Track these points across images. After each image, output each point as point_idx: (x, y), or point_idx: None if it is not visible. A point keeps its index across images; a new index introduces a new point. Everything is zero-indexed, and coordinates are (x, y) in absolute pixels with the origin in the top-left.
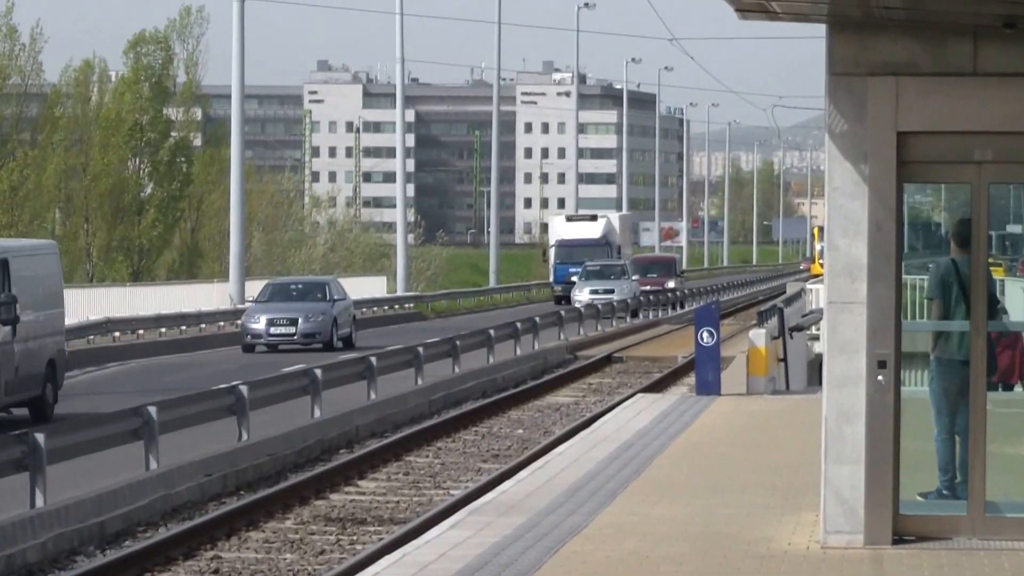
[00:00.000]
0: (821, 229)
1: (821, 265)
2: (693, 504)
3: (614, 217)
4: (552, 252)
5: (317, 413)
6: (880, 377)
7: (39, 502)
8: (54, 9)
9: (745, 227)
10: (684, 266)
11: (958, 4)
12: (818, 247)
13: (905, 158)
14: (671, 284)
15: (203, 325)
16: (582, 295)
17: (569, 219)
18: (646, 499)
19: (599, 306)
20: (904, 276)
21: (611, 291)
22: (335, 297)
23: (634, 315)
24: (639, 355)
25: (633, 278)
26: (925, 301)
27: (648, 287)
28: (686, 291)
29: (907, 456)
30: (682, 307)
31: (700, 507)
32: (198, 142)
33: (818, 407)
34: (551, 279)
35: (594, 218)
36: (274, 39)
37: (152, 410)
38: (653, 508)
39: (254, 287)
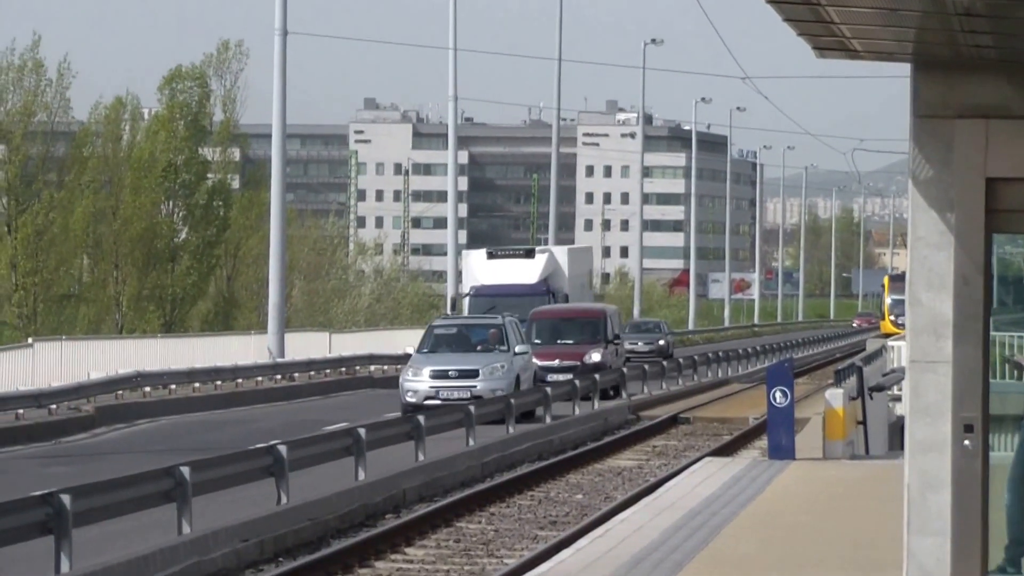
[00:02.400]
0: (892, 280)
1: (892, 322)
2: None
3: (559, 252)
4: (467, 303)
5: (362, 475)
6: (967, 442)
7: (64, 568)
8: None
9: (822, 279)
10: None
11: None
12: (888, 301)
13: (994, 206)
14: (595, 357)
15: (240, 380)
16: (417, 382)
17: (492, 255)
18: (714, 572)
19: (664, 363)
20: (992, 333)
21: (471, 375)
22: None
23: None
24: (707, 416)
25: (526, 350)
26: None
27: (553, 364)
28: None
29: (996, 527)
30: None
31: None
32: (236, 184)
33: (900, 474)
34: None
35: (529, 254)
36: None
37: (185, 470)
38: None
39: (293, 340)
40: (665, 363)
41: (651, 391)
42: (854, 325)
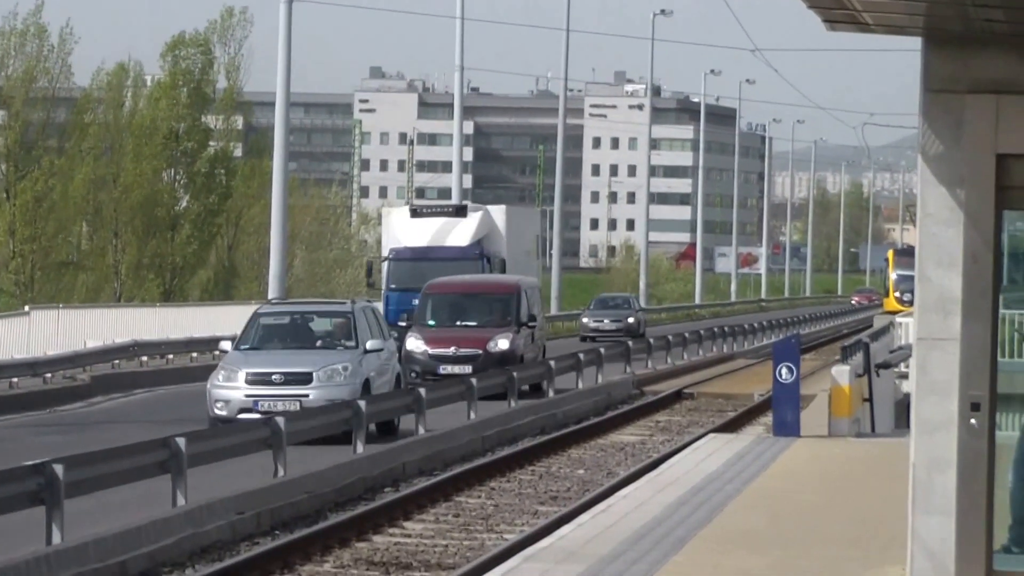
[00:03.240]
0: (898, 254)
1: (897, 299)
2: (768, 555)
3: (497, 212)
4: (385, 269)
5: (360, 448)
6: (973, 421)
7: (56, 539)
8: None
9: (830, 254)
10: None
11: None
12: (892, 276)
13: (1005, 183)
14: (502, 344)
15: None
16: (230, 389)
17: (416, 213)
18: (717, 549)
19: (669, 337)
20: (1002, 311)
21: (302, 380)
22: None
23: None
24: (712, 392)
25: (380, 346)
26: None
27: (448, 352)
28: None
29: (1001, 507)
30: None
31: (776, 559)
32: (238, 153)
33: (906, 452)
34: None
35: (461, 212)
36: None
37: (181, 441)
38: (724, 559)
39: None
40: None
41: (656, 365)
42: (853, 302)
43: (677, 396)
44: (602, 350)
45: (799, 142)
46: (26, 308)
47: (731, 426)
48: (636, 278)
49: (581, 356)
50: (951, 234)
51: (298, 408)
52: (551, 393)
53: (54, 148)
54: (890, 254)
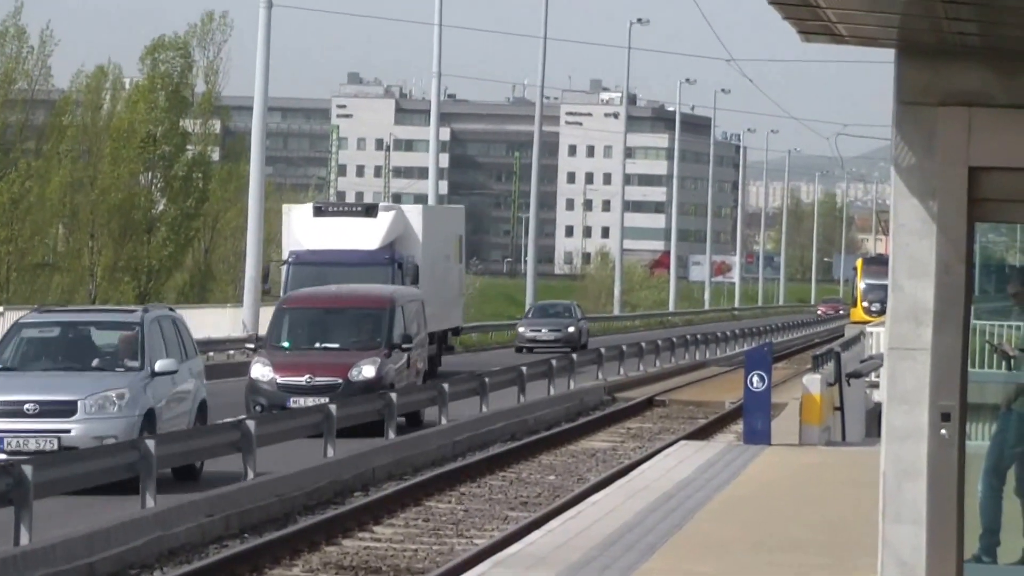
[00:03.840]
0: (867, 262)
1: (865, 309)
2: (738, 562)
3: (412, 212)
4: (283, 274)
5: (331, 452)
6: (943, 431)
7: (24, 540)
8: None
9: (803, 263)
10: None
11: None
12: (861, 286)
13: (977, 195)
14: (367, 372)
15: (211, 353)
16: None
17: (320, 211)
18: (687, 556)
19: (643, 344)
20: (974, 321)
21: (62, 411)
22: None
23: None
24: (683, 399)
25: (172, 367)
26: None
27: (301, 381)
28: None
29: (971, 517)
30: None
31: (746, 566)
32: (216, 156)
33: (876, 461)
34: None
35: (370, 211)
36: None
37: (150, 444)
38: (695, 566)
39: (269, 314)
40: (575, 356)
41: (627, 372)
42: (819, 313)
43: (649, 403)
44: (574, 356)
45: (773, 152)
46: (1, 308)
47: (702, 433)
48: (611, 285)
49: (553, 362)
50: (924, 245)
51: (55, 447)
52: (443, 420)
53: (32, 150)
54: (859, 263)
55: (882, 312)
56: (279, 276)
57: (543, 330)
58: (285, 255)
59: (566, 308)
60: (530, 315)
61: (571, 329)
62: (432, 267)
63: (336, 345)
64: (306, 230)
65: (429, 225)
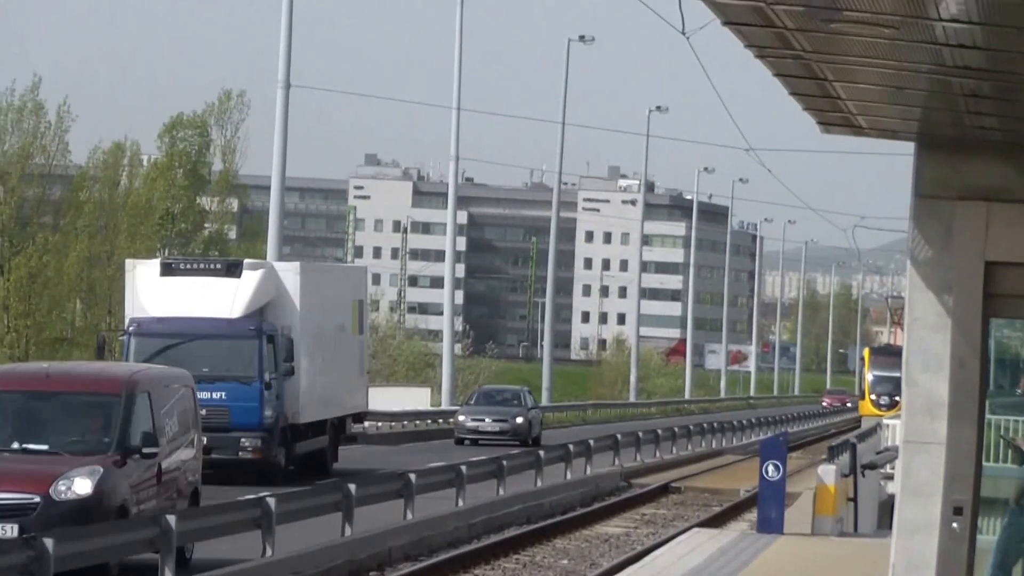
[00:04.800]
0: (874, 353)
1: (873, 402)
2: None
3: (286, 270)
4: (124, 347)
5: (348, 531)
6: (955, 524)
7: None
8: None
9: (819, 354)
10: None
11: None
12: (868, 378)
13: (993, 290)
14: (79, 488)
15: None
16: None
17: (170, 269)
18: None
19: (659, 430)
20: (988, 415)
21: None
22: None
23: None
24: (698, 486)
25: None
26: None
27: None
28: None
29: None
30: None
31: None
32: (233, 235)
33: (887, 553)
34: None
35: (232, 269)
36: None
37: (171, 519)
38: None
39: None
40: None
41: (644, 458)
42: (823, 405)
43: (664, 490)
44: (591, 442)
45: (790, 242)
46: None
47: (716, 521)
48: (627, 372)
49: (571, 447)
50: (939, 339)
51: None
52: (539, 482)
53: (49, 224)
54: (866, 353)
55: (891, 407)
56: (122, 349)
57: (486, 419)
58: (127, 324)
59: (515, 395)
60: (472, 401)
61: (519, 420)
62: (317, 340)
63: (43, 447)
64: (152, 293)
65: (310, 287)
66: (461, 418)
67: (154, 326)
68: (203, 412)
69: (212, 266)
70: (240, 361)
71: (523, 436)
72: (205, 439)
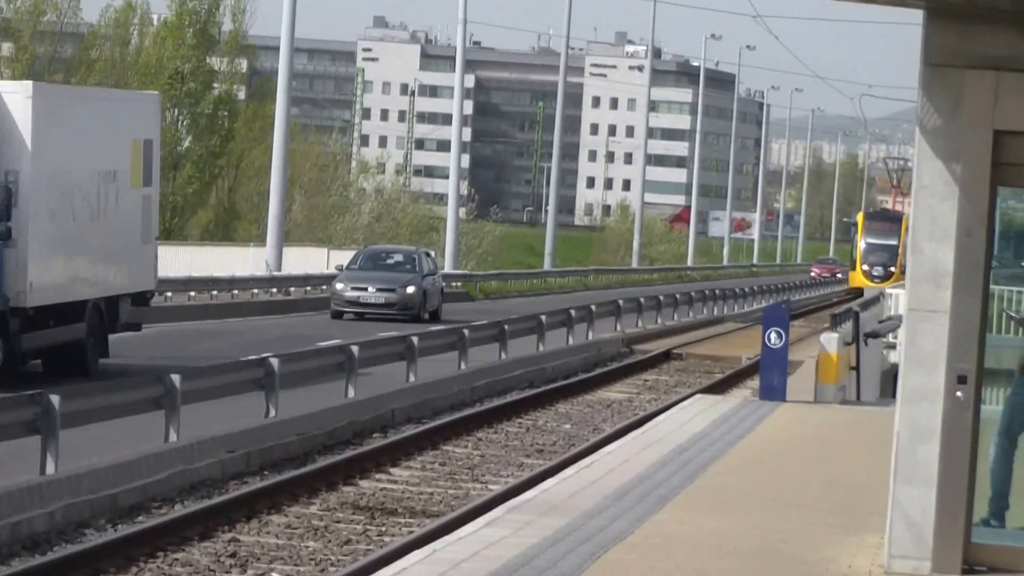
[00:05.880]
0: (868, 217)
1: (865, 272)
2: (749, 517)
3: (9, 91)
4: None
5: (352, 393)
6: (959, 393)
7: (50, 469)
8: None
9: (823, 223)
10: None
11: None
12: (861, 245)
13: (1001, 159)
14: None
15: (236, 291)
16: None
17: None
18: (698, 508)
19: (661, 297)
20: (992, 286)
21: None
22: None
23: None
24: (700, 353)
25: None
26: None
27: None
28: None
29: (983, 481)
30: None
31: (756, 521)
32: (241, 95)
33: (890, 421)
34: None
35: None
36: None
37: (175, 378)
38: (705, 519)
39: (291, 254)
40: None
41: (645, 324)
42: (812, 275)
43: (666, 356)
44: (593, 307)
45: (797, 110)
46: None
47: (718, 388)
48: (630, 238)
49: (572, 312)
50: (946, 207)
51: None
52: (541, 347)
53: (60, 82)
54: (860, 217)
55: (885, 278)
56: None
57: (369, 288)
58: None
59: (408, 257)
60: (356, 265)
61: (410, 290)
62: (62, 192)
63: None
64: None
65: (51, 118)
66: (339, 286)
67: None
68: None
69: None
70: None
71: (415, 310)
72: None
